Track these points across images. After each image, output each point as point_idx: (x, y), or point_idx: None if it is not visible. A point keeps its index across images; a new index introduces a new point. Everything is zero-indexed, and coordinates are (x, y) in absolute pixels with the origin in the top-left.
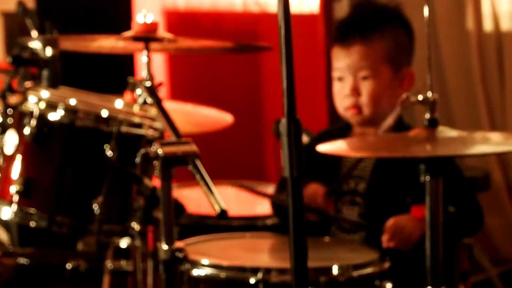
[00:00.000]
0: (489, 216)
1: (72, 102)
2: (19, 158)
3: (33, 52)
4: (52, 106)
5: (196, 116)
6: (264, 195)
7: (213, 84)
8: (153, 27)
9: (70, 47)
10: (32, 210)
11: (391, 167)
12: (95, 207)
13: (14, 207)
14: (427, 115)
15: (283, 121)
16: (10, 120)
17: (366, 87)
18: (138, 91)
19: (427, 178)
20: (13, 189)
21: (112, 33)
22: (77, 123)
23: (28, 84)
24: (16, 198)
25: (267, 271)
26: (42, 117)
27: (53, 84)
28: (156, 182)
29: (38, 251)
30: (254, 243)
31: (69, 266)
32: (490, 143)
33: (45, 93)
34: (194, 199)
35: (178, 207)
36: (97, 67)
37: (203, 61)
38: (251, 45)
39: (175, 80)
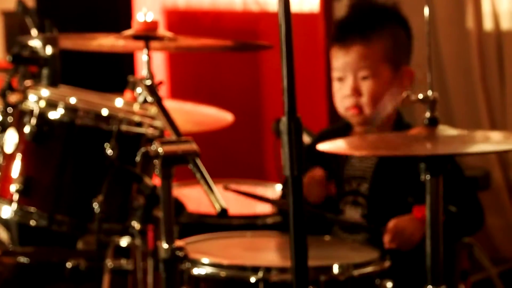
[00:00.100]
0: (489, 215)
1: (72, 100)
2: (19, 156)
3: (33, 50)
4: (52, 104)
5: (196, 115)
6: (257, 197)
7: (213, 83)
8: (153, 25)
9: (70, 46)
10: (32, 209)
11: (393, 167)
12: (95, 206)
13: (14, 205)
14: (427, 114)
15: (284, 119)
16: (10, 119)
17: (366, 87)
18: (138, 89)
19: (427, 177)
20: (13, 187)
21: (112, 32)
22: (77, 122)
23: (28, 82)
24: (16, 196)
25: (268, 270)
26: (42, 116)
27: (53, 83)
28: (156, 181)
29: (38, 250)
30: (255, 242)
31: (69, 265)
32: (490, 142)
33: (45, 92)
34: (194, 198)
35: (178, 206)
36: (97, 65)
37: (203, 60)
38: (251, 44)
39: (175, 78)
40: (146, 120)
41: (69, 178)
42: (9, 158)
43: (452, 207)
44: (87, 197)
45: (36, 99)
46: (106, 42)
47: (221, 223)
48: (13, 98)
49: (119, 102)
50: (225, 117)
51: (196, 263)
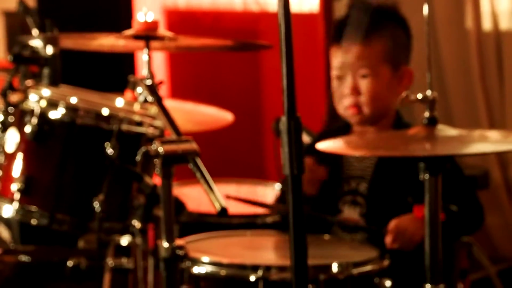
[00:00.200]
0: (488, 214)
1: (73, 100)
2: (20, 156)
3: (34, 50)
4: (53, 104)
5: (196, 115)
6: (259, 204)
7: (213, 82)
8: (153, 25)
9: (70, 46)
10: (33, 208)
11: (392, 166)
12: (96, 205)
13: (15, 205)
14: (427, 114)
15: (283, 119)
16: (11, 118)
17: (365, 86)
18: (139, 89)
19: (426, 176)
20: (14, 187)
21: (113, 32)
22: (77, 121)
23: (29, 82)
24: (17, 196)
25: (267, 268)
26: (43, 115)
27: (53, 82)
28: (156, 180)
29: (39, 248)
30: (254, 241)
31: (70, 263)
32: (489, 141)
33: (46, 91)
34: (195, 197)
35: (179, 205)
36: (98, 65)
37: (203, 60)
38: (251, 43)
39: (176, 78)
40: (147, 120)
41: (70, 177)
42: (10, 157)
43: (453, 206)
44: (88, 196)
45: (37, 98)
46: (106, 42)
47: (221, 222)
48: (14, 97)
49: (119, 101)
50: (225, 116)
51: (196, 261)
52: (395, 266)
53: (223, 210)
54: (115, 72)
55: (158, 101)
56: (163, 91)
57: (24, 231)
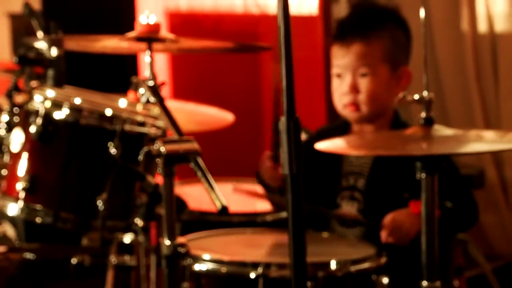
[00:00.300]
0: (484, 213)
1: (77, 101)
2: (25, 155)
3: (38, 52)
4: (57, 105)
5: (198, 115)
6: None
7: (214, 83)
8: (155, 28)
9: (74, 47)
10: (37, 207)
11: (389, 163)
12: (99, 203)
13: (20, 203)
14: (423, 114)
15: (283, 119)
16: (16, 119)
17: (364, 85)
18: (141, 90)
19: (423, 175)
20: (19, 186)
21: (116, 34)
22: (81, 122)
23: (34, 83)
24: (22, 194)
25: (267, 266)
26: (47, 116)
27: (58, 84)
28: (158, 179)
29: (43, 246)
30: (254, 238)
31: (74, 261)
32: (484, 141)
33: (50, 92)
34: (196, 196)
35: (180, 204)
36: (101, 67)
37: (204, 61)
38: (251, 45)
39: (177, 79)
40: (149, 120)
41: (74, 176)
42: (16, 157)
43: (448, 202)
44: (91, 195)
45: (41, 99)
46: (110, 43)
47: (222, 220)
48: (19, 98)
49: (122, 102)
50: (226, 117)
51: (197, 259)
52: (392, 263)
53: (224, 209)
54: (118, 73)
55: (160, 101)
56: (165, 92)
57: (28, 229)
